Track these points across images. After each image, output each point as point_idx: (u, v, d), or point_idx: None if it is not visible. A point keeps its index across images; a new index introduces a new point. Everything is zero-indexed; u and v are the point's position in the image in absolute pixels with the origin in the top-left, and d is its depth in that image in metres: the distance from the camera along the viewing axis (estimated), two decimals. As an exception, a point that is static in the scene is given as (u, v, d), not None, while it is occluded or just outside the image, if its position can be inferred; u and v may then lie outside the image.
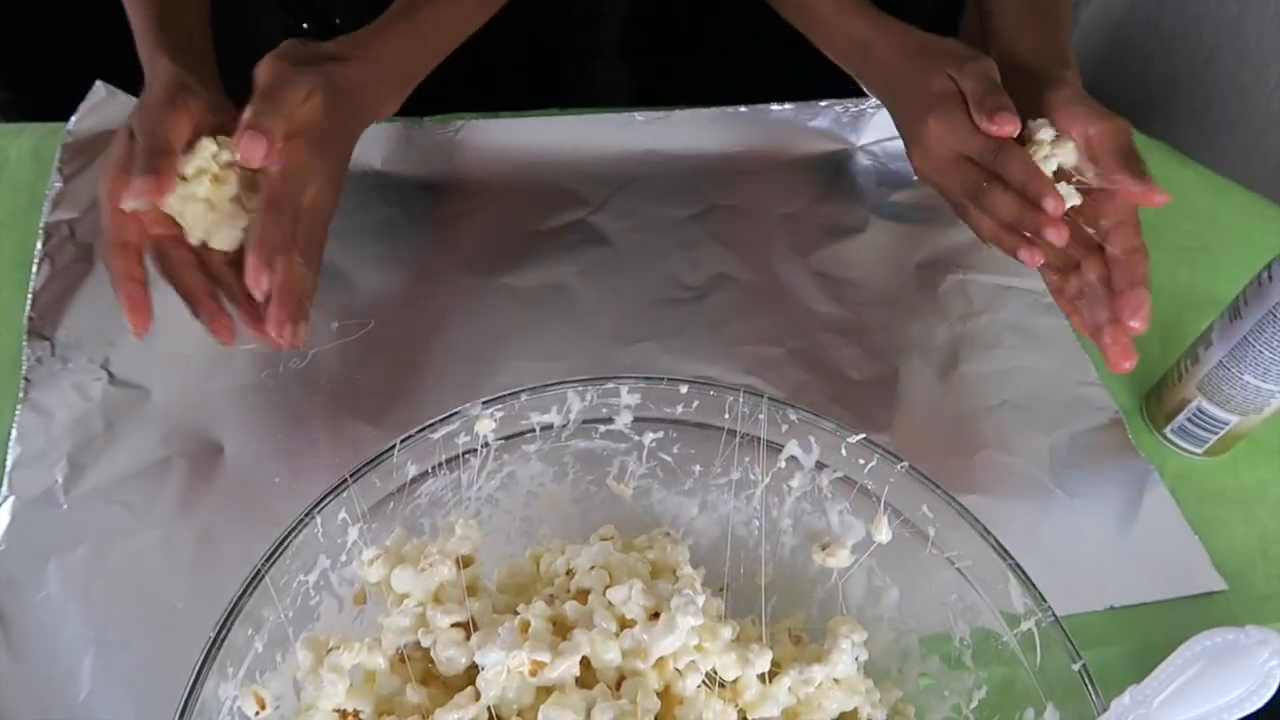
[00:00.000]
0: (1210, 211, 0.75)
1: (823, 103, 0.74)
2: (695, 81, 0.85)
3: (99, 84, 0.66)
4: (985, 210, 0.55)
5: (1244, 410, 0.57)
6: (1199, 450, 0.61)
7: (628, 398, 0.46)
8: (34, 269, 0.60)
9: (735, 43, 0.85)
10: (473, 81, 0.69)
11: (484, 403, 0.44)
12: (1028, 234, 0.54)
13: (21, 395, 0.55)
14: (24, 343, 0.57)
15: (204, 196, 0.50)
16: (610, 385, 0.45)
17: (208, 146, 0.50)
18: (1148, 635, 0.53)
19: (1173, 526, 0.58)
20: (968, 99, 0.55)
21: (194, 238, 0.51)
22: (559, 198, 0.69)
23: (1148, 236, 0.73)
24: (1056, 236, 0.52)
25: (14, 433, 0.54)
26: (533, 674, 0.38)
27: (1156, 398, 0.62)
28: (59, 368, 0.56)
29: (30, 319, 0.58)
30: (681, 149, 0.73)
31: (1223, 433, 0.59)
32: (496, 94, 0.73)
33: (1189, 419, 0.60)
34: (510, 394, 0.44)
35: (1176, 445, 0.61)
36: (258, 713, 0.38)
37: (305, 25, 0.76)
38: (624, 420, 0.46)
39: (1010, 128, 0.53)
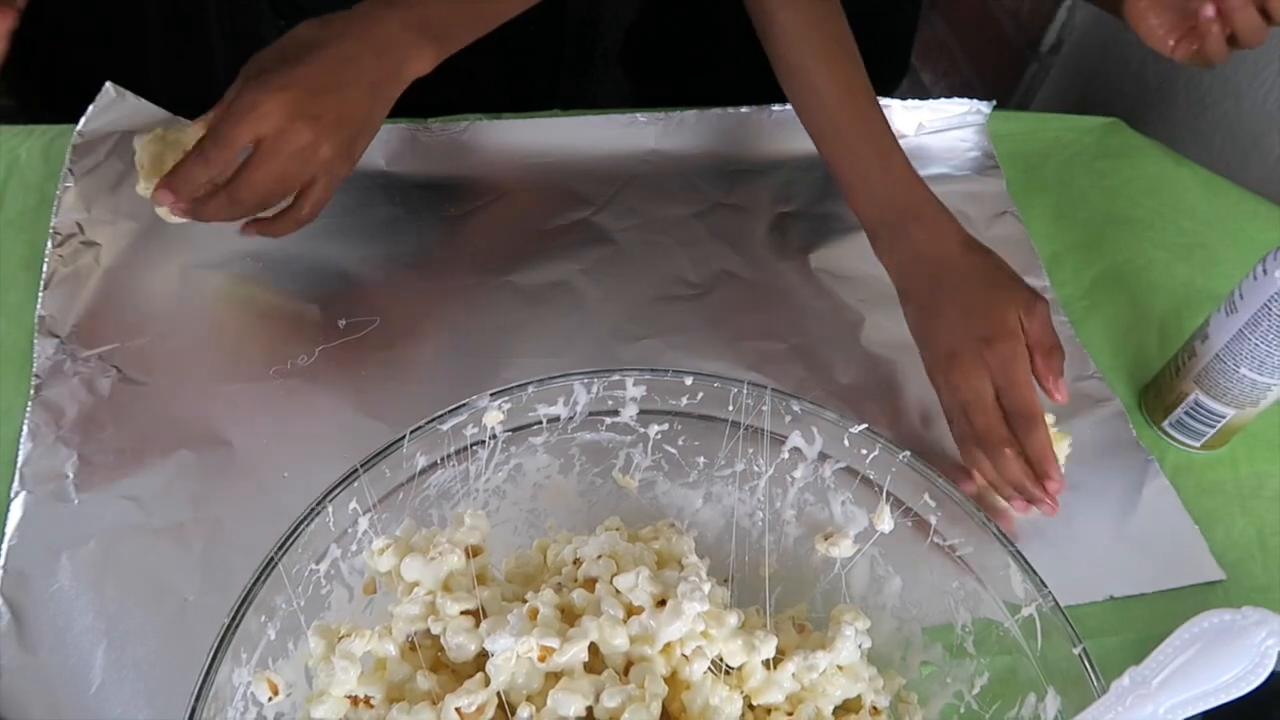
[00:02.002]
0: (1206, 209, 0.76)
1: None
2: (697, 91, 0.86)
3: (108, 85, 0.67)
4: (986, 459, 0.56)
5: (1241, 403, 0.58)
6: (1197, 444, 0.61)
7: (633, 390, 0.46)
8: (44, 268, 0.60)
9: (738, 60, 0.86)
10: (472, 86, 0.69)
11: (492, 394, 0.44)
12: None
13: (33, 393, 0.56)
14: (35, 341, 0.58)
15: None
16: (616, 377, 0.46)
17: (146, 146, 0.58)
18: (1147, 625, 0.54)
19: (1172, 518, 0.59)
20: (1031, 343, 0.56)
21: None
22: (563, 197, 0.70)
23: (1146, 235, 0.74)
24: (1050, 511, 0.55)
25: (25, 429, 0.54)
26: (542, 660, 0.39)
27: (1154, 392, 0.63)
28: (69, 365, 0.57)
29: (41, 318, 0.59)
30: (683, 149, 0.73)
31: (1220, 426, 0.60)
32: (495, 99, 0.74)
33: (1187, 412, 0.60)
34: (518, 386, 0.45)
35: (1174, 439, 0.62)
36: (270, 699, 0.39)
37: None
38: (629, 413, 0.47)
39: (1062, 397, 0.56)
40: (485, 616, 0.40)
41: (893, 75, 0.89)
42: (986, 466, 0.56)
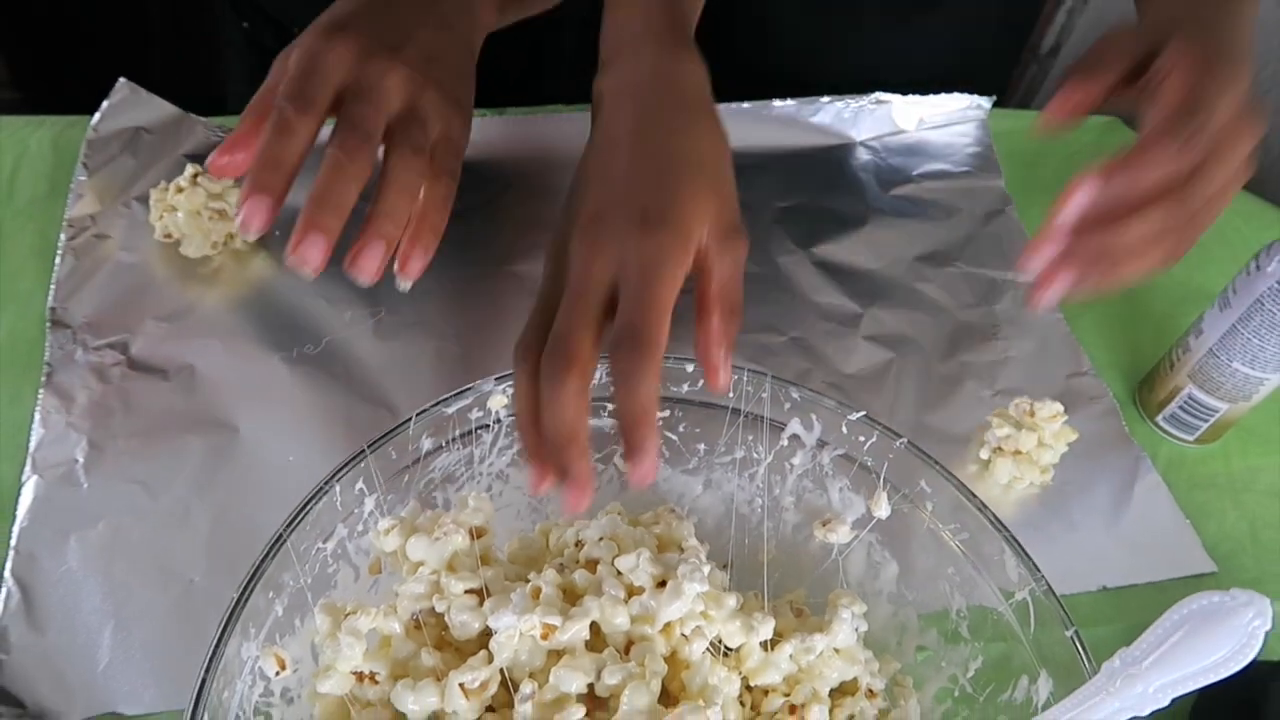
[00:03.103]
0: (1202, 208, 0.76)
1: (824, 99, 0.75)
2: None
3: (122, 81, 0.68)
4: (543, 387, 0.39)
5: (1234, 398, 0.59)
6: (1190, 438, 0.62)
7: (636, 377, 0.47)
8: (57, 260, 0.61)
9: (738, 56, 0.86)
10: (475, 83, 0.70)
11: (496, 379, 0.45)
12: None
13: (44, 380, 0.57)
14: (47, 331, 0.58)
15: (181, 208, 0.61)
16: (618, 363, 0.46)
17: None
18: (1138, 614, 0.54)
19: (1164, 511, 0.60)
20: (708, 283, 0.41)
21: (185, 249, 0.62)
22: (566, 191, 0.71)
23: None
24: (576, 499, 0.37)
25: (37, 415, 0.55)
26: (544, 637, 0.39)
27: (1149, 387, 0.64)
28: (80, 355, 0.58)
29: (53, 310, 0.59)
30: (685, 145, 0.74)
31: (1213, 420, 0.60)
32: (497, 96, 0.75)
33: (1180, 407, 0.61)
34: (522, 371, 0.45)
35: (1168, 433, 0.63)
36: (278, 673, 0.39)
37: (260, 32, 0.77)
38: (632, 399, 0.48)
39: (722, 382, 0.40)
40: (489, 595, 0.41)
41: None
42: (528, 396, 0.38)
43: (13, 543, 0.51)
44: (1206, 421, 0.61)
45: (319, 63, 0.41)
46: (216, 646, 0.37)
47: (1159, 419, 0.63)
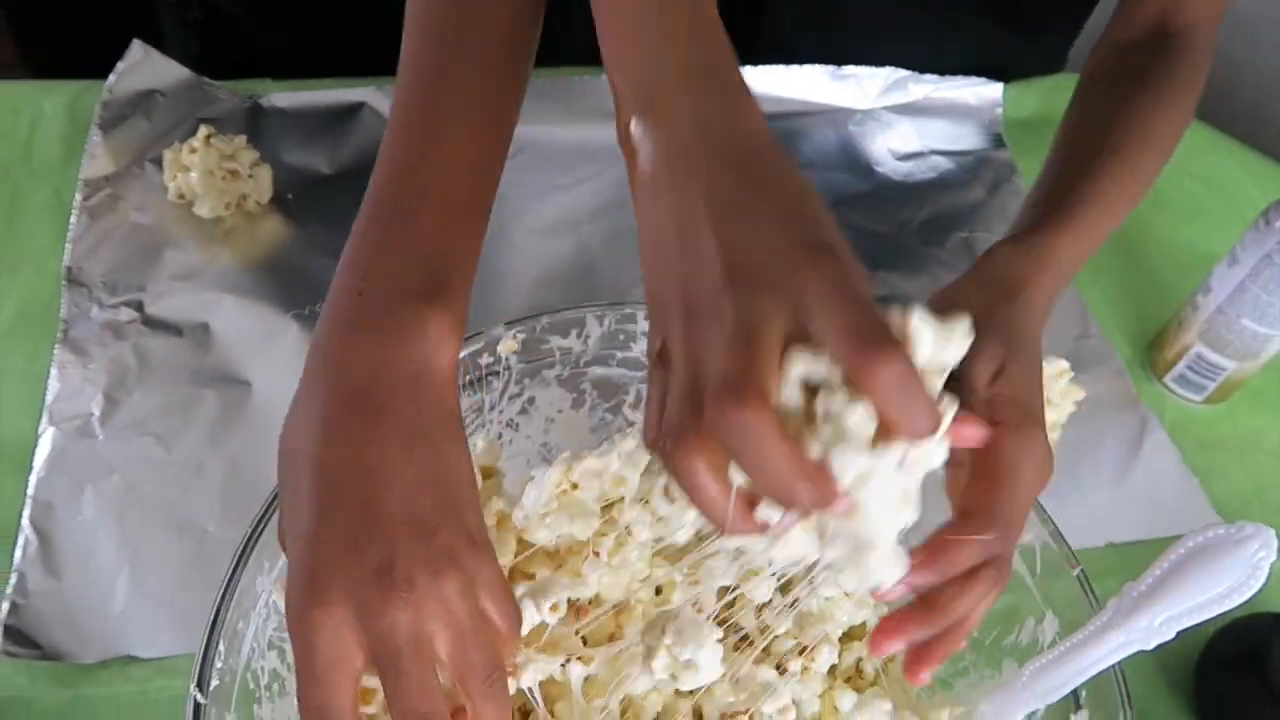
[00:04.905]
0: (1212, 173, 0.76)
1: (832, 66, 0.76)
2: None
3: (135, 43, 0.68)
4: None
5: (1242, 355, 0.59)
6: (1198, 398, 0.62)
7: (644, 324, 0.47)
8: (72, 219, 0.62)
9: (743, 25, 0.87)
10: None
11: (506, 324, 0.45)
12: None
13: (60, 335, 0.57)
14: (63, 289, 0.59)
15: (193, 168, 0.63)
16: (628, 310, 0.47)
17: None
18: (1146, 567, 0.55)
19: (1171, 470, 0.60)
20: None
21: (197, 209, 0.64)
22: (572, 158, 0.71)
23: (1150, 197, 0.75)
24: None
25: (53, 370, 0.56)
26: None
27: (1157, 346, 0.64)
28: (95, 310, 0.59)
29: (68, 269, 0.60)
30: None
31: (1221, 379, 0.61)
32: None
33: (1189, 366, 0.61)
34: (532, 316, 0.46)
35: (1177, 393, 0.63)
36: (291, 607, 0.40)
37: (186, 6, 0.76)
38: (641, 346, 0.48)
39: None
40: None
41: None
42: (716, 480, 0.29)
43: (30, 492, 0.51)
44: (1214, 380, 0.61)
45: (316, 638, 0.31)
46: (232, 575, 0.37)
47: (1167, 379, 0.63)
